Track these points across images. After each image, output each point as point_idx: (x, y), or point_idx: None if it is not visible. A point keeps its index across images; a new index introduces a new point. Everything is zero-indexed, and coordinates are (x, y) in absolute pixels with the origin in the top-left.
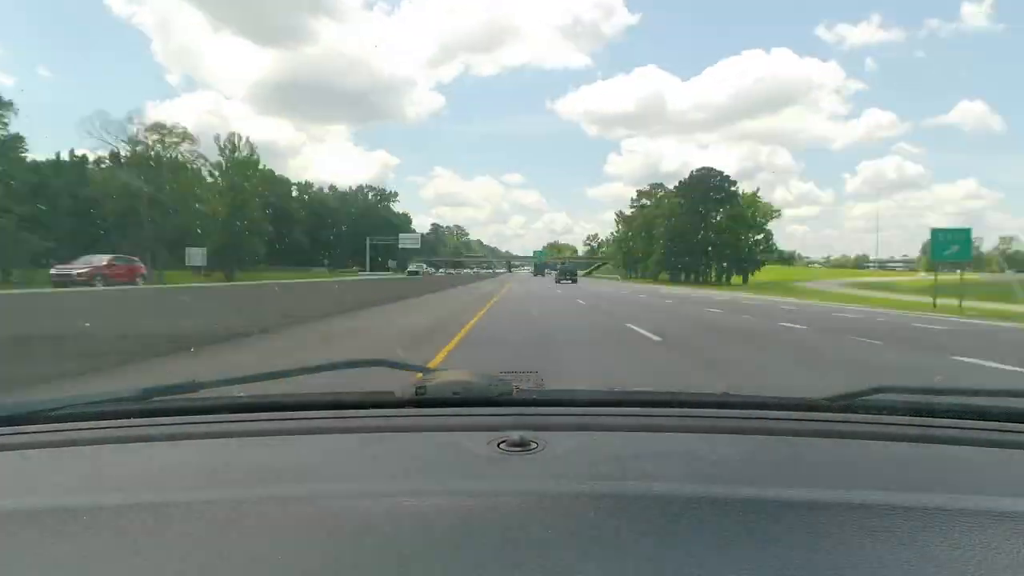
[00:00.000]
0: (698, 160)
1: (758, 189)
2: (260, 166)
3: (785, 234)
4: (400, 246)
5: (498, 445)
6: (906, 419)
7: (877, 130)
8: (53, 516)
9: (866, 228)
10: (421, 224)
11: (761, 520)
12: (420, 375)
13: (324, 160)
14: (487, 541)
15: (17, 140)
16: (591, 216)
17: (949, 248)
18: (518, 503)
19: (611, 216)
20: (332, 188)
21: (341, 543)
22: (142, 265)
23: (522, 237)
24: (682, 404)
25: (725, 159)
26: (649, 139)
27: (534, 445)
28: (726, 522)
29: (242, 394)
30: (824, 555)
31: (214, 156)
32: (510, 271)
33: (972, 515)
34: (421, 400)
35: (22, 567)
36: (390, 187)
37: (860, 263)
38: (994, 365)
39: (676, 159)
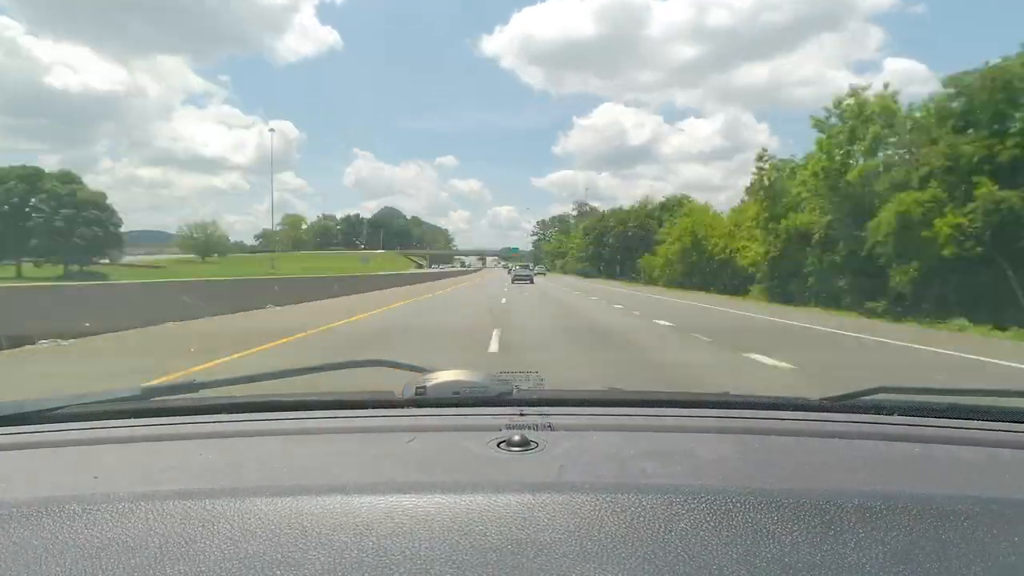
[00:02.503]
0: (668, 135)
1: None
2: None
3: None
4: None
5: (498, 445)
6: (906, 419)
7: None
8: (54, 516)
9: None
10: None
11: (761, 520)
12: (420, 375)
13: (195, 128)
14: (487, 541)
15: None
16: (541, 208)
17: None
18: (518, 503)
19: (558, 208)
20: None
21: (341, 543)
22: None
23: (466, 232)
24: (682, 404)
25: (704, 131)
26: (612, 102)
27: (534, 445)
28: (726, 522)
29: (242, 394)
30: (824, 555)
31: None
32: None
33: (972, 515)
34: (421, 400)
35: (22, 566)
36: (294, 167)
37: None
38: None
39: (645, 130)
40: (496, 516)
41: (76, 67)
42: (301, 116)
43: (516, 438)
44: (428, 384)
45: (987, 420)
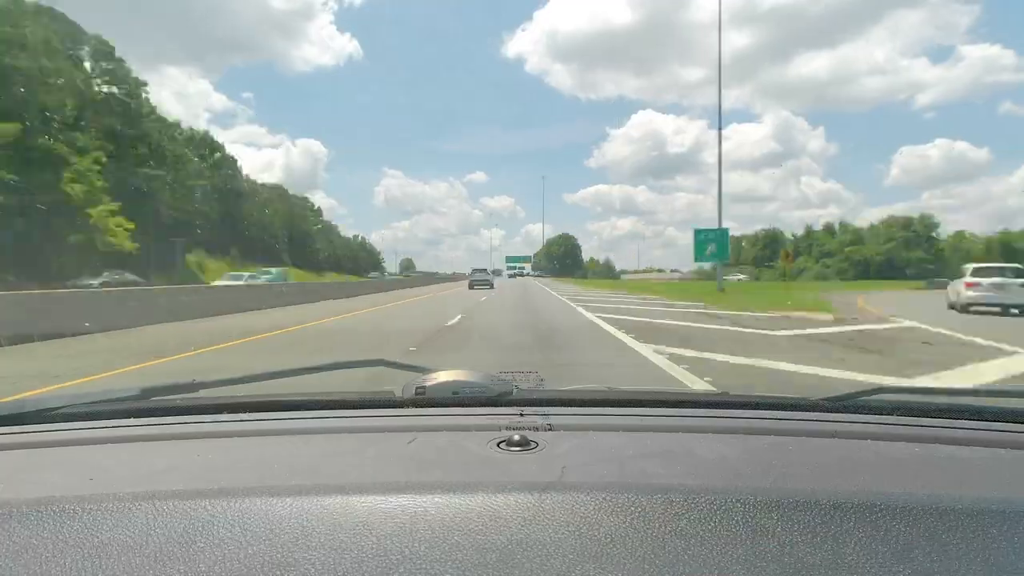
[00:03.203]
0: (712, 142)
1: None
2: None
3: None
4: None
5: (498, 445)
6: (906, 419)
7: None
8: (53, 516)
9: None
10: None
11: (761, 520)
12: (420, 375)
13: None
14: (487, 541)
15: None
16: (576, 225)
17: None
18: (518, 503)
19: (593, 225)
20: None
21: (341, 543)
22: None
23: (499, 249)
24: (682, 404)
25: (752, 135)
26: (649, 109)
27: (534, 445)
28: (726, 522)
29: (242, 394)
30: (824, 555)
31: None
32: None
33: (972, 515)
34: (421, 400)
35: (22, 566)
36: (323, 187)
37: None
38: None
39: (687, 136)
40: (496, 516)
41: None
42: (327, 133)
43: (516, 438)
44: (428, 384)
45: (987, 420)
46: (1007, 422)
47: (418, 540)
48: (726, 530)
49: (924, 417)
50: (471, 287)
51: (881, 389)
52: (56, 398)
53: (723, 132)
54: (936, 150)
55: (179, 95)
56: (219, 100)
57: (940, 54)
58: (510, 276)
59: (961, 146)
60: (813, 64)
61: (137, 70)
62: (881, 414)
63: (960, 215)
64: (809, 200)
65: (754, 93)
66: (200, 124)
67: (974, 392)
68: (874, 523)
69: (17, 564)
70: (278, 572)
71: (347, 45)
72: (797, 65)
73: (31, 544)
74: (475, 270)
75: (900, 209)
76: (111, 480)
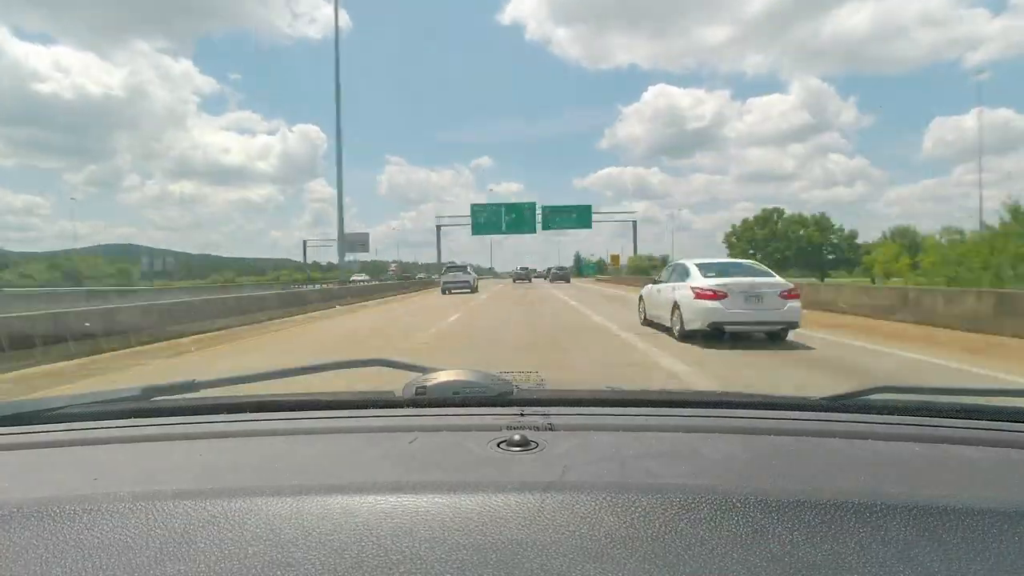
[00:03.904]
0: (732, 116)
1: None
2: None
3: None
4: None
5: (498, 445)
6: (906, 419)
7: None
8: (54, 516)
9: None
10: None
11: (761, 520)
12: (420, 375)
13: (215, 136)
14: (488, 541)
15: None
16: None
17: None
18: (518, 503)
19: (606, 209)
20: None
21: (341, 543)
22: None
23: (514, 238)
24: (682, 404)
25: (776, 107)
26: (663, 83)
27: (534, 445)
28: (726, 522)
29: (242, 394)
30: (824, 555)
31: None
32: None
33: (973, 515)
34: (421, 400)
35: (22, 567)
36: (324, 175)
37: None
38: None
39: (706, 108)
40: (496, 516)
41: (68, 69)
42: (326, 119)
43: (516, 438)
44: (428, 384)
45: (988, 420)
46: (1008, 421)
47: (418, 540)
48: (727, 530)
49: (924, 417)
50: (444, 292)
51: (881, 389)
52: (56, 398)
53: (745, 105)
54: (973, 120)
55: (164, 78)
56: (207, 83)
57: (1000, 2)
58: (551, 279)
59: (1004, 114)
60: (854, 17)
61: (102, 44)
62: (881, 414)
63: (994, 190)
64: (835, 177)
65: (782, 56)
66: (190, 110)
67: (974, 392)
68: (874, 523)
69: (18, 564)
70: (278, 572)
71: (339, 18)
72: (835, 19)
73: (32, 544)
74: (449, 268)
75: (928, 186)
76: (111, 480)
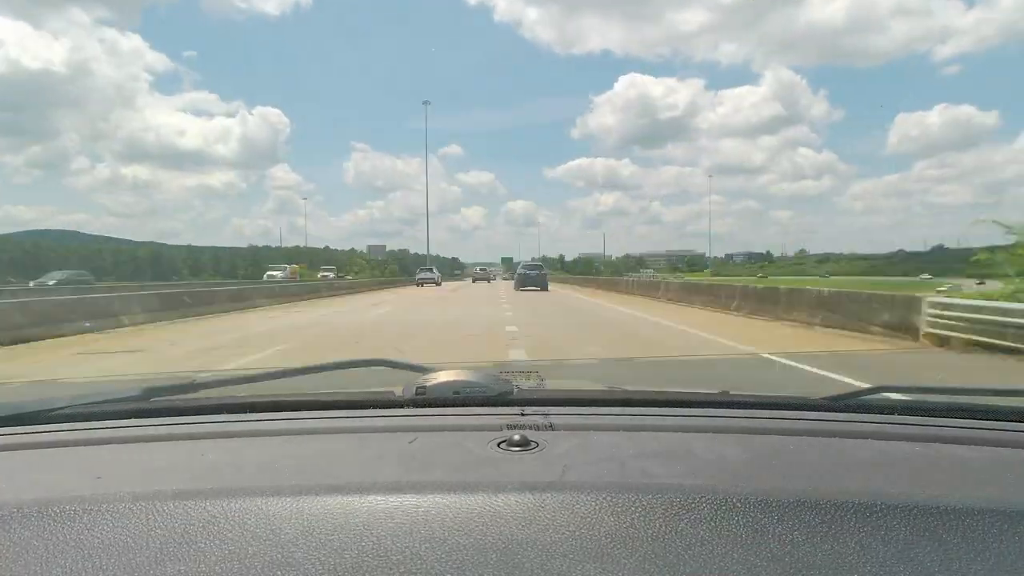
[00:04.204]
0: (705, 107)
1: None
2: None
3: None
4: None
5: (498, 445)
6: (906, 419)
7: None
8: (54, 516)
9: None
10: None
11: (761, 520)
12: (420, 375)
13: (168, 117)
14: (488, 541)
15: None
16: (557, 203)
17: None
18: (518, 503)
19: (576, 201)
20: None
21: (341, 543)
22: None
23: (483, 231)
24: (682, 404)
25: (750, 99)
26: (636, 72)
27: (534, 445)
28: (726, 522)
29: (242, 394)
30: (824, 555)
31: None
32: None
33: (973, 515)
34: (421, 400)
35: (23, 567)
36: (287, 159)
37: None
38: None
39: (679, 97)
40: (496, 516)
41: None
42: (287, 101)
43: (516, 438)
44: (428, 384)
45: (988, 419)
46: (1008, 421)
47: (418, 540)
48: (727, 530)
49: (924, 416)
50: (419, 285)
51: (881, 388)
52: (57, 398)
53: (717, 96)
54: (937, 116)
55: (111, 53)
56: (159, 60)
57: None
58: (518, 283)
59: (966, 111)
60: (830, 7)
61: (35, 12)
62: (882, 413)
63: (952, 186)
64: (803, 171)
65: (757, 45)
66: (142, 89)
67: (975, 391)
68: (874, 523)
69: (18, 564)
70: (278, 572)
71: None
72: (811, 8)
73: (32, 544)
74: (421, 269)
75: (890, 182)
76: (112, 480)
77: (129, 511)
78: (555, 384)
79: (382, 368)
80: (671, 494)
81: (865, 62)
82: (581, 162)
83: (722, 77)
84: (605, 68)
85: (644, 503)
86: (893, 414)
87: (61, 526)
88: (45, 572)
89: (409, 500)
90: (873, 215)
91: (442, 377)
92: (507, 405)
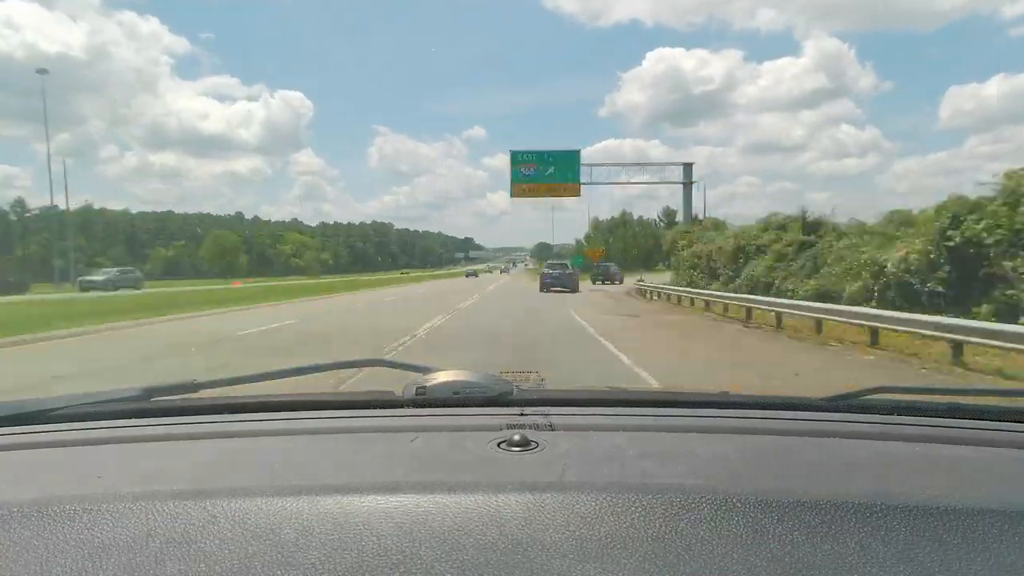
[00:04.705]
0: (740, 76)
1: None
2: None
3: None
4: None
5: (498, 445)
6: (906, 419)
7: None
8: (54, 516)
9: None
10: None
11: (761, 520)
12: (420, 375)
13: (190, 102)
14: (488, 541)
15: None
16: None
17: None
18: (518, 503)
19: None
20: None
21: (341, 543)
22: None
23: (510, 216)
24: (682, 404)
25: (790, 71)
26: (667, 46)
27: (535, 445)
28: (726, 522)
29: (242, 394)
30: (824, 555)
31: None
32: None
33: (973, 515)
34: (421, 400)
35: (23, 566)
36: (311, 144)
37: None
38: None
39: (713, 69)
40: (496, 516)
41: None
42: (309, 84)
43: (516, 438)
44: (428, 384)
45: (987, 420)
46: (1007, 422)
47: (418, 540)
48: (726, 530)
49: (924, 417)
50: (468, 276)
51: (881, 389)
52: (57, 398)
53: (759, 68)
54: (994, 87)
55: (131, 36)
56: (178, 43)
57: None
58: (545, 284)
59: None
60: None
61: None
62: (881, 414)
63: (1006, 163)
64: (847, 149)
65: (799, 11)
66: (163, 73)
67: (974, 392)
68: (874, 523)
69: (18, 564)
70: (278, 572)
71: None
72: None
73: (32, 544)
74: (468, 266)
75: (938, 159)
76: (112, 480)
77: (129, 511)
78: (555, 384)
79: (382, 368)
80: (671, 494)
81: (921, 26)
82: (608, 143)
83: (762, 46)
84: (634, 40)
85: (644, 503)
86: (892, 414)
87: (61, 526)
88: (45, 572)
89: (409, 500)
90: (917, 195)
91: (442, 377)
92: (507, 405)
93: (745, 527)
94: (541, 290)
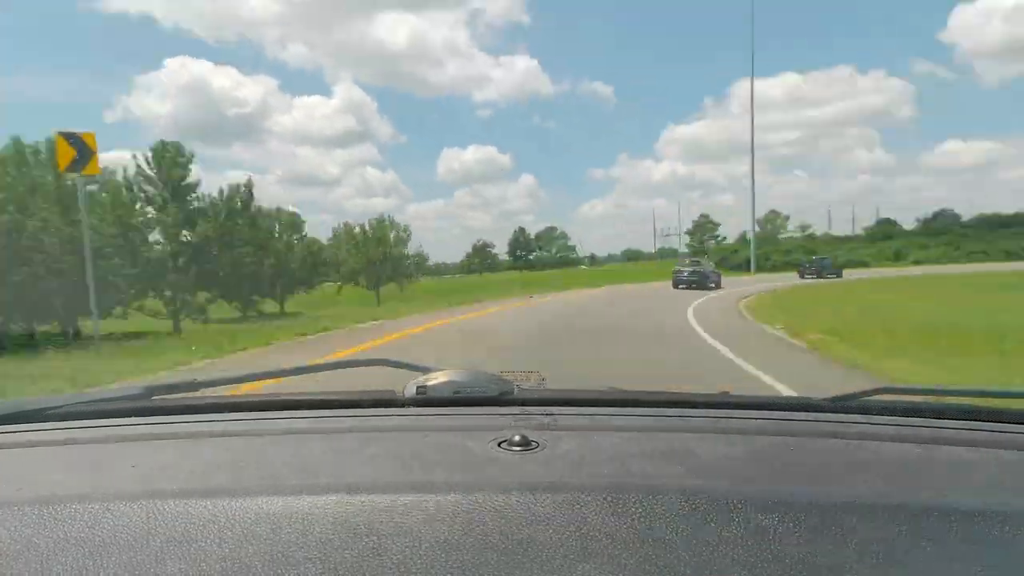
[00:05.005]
0: (280, 105)
1: None
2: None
3: None
4: None
5: (499, 445)
6: (906, 419)
7: None
8: (54, 515)
9: None
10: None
11: (761, 520)
12: (421, 374)
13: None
14: (488, 541)
15: None
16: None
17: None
18: (519, 503)
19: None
20: None
21: (341, 543)
22: None
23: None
24: (682, 404)
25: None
26: None
27: (535, 445)
28: (726, 522)
29: (243, 393)
30: (824, 556)
31: None
32: None
33: (973, 516)
34: (422, 400)
35: (23, 565)
36: (371, 139)
37: None
38: None
39: (249, 93)
40: (497, 516)
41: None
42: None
43: (517, 438)
44: (429, 384)
45: (989, 421)
46: (1008, 423)
47: (418, 540)
48: (727, 531)
49: (925, 418)
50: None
51: (882, 389)
52: (57, 397)
53: (293, 101)
54: (470, 154)
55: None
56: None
57: None
58: (674, 280)
59: None
60: None
61: None
62: (882, 414)
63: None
64: (374, 189)
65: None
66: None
67: (975, 392)
68: (874, 523)
69: (18, 563)
70: (278, 571)
71: None
72: None
73: (32, 543)
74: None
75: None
76: (112, 479)
77: (130, 510)
78: (556, 384)
79: (382, 368)
80: (672, 495)
81: (419, 92)
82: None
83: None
84: (148, 39)
85: (645, 503)
86: (893, 415)
87: (62, 524)
88: (46, 570)
89: (410, 500)
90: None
91: (442, 377)
92: (508, 405)
93: (746, 528)
94: (673, 286)
